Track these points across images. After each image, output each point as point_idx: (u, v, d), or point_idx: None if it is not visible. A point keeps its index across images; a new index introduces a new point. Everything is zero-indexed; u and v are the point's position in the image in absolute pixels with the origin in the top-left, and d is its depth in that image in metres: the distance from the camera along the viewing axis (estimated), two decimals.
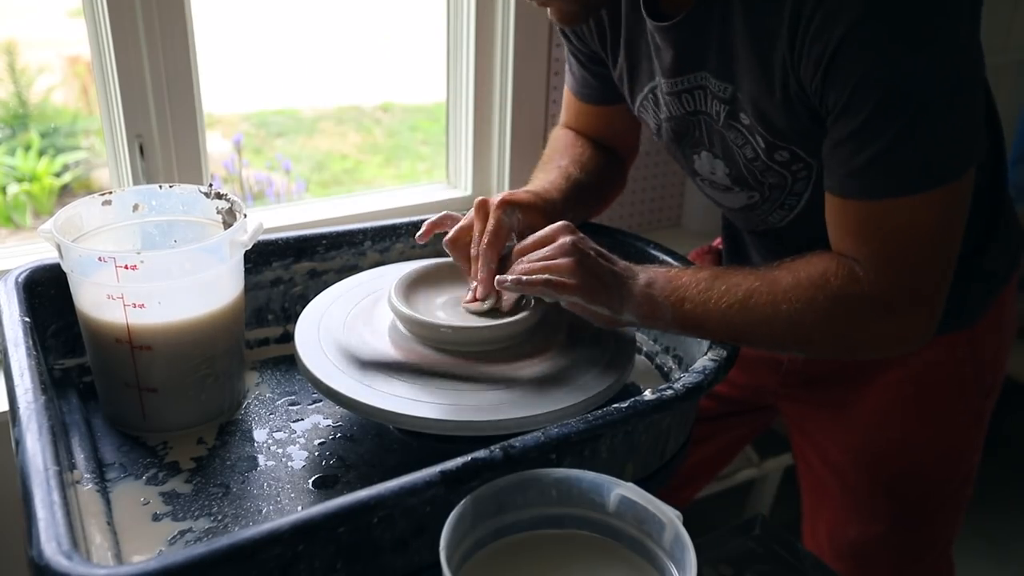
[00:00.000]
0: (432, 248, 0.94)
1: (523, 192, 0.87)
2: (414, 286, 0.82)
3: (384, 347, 0.77)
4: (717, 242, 1.14)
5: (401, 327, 0.79)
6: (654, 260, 0.92)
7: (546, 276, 0.74)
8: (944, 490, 1.02)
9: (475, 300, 0.80)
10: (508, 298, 0.80)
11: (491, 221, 0.80)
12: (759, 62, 0.75)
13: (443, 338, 0.77)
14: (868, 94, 0.68)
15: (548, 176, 0.95)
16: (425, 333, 0.77)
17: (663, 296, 0.77)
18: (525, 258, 0.77)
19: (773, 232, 0.92)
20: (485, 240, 0.79)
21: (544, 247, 0.77)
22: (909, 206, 0.71)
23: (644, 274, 0.78)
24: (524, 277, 0.74)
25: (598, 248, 0.78)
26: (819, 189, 0.80)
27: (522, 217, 0.84)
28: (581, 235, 0.78)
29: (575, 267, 0.74)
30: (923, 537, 1.03)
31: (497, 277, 0.76)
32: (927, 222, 0.71)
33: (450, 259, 0.84)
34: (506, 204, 0.82)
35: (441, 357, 0.76)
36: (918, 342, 0.76)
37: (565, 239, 0.76)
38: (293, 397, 0.84)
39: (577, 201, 0.94)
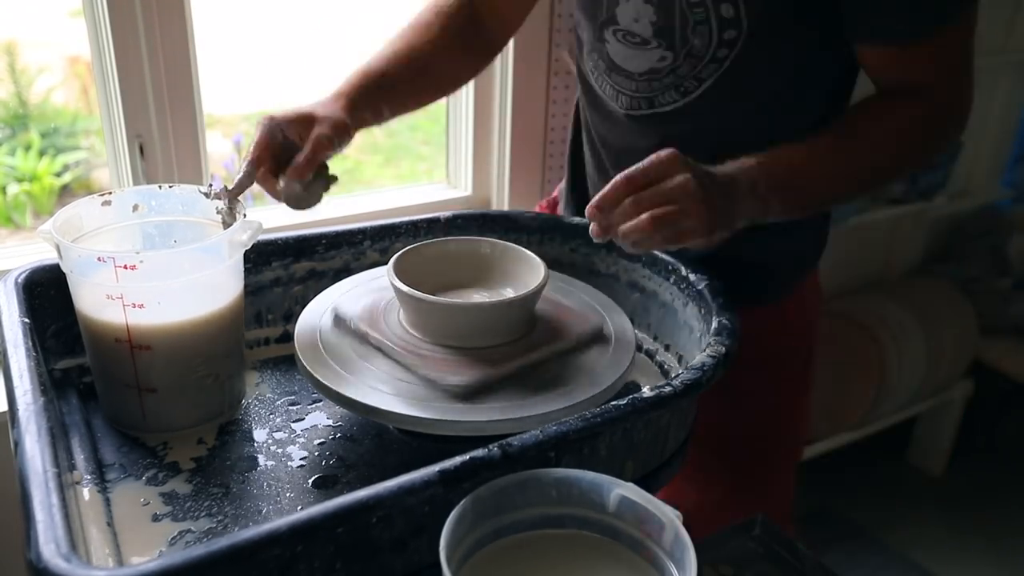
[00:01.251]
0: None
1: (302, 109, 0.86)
2: (409, 270, 0.80)
3: (384, 347, 0.77)
4: (555, 193, 1.17)
5: (413, 315, 0.78)
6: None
7: (668, 229, 0.71)
8: (776, 453, 1.08)
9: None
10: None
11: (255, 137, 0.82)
12: None
13: (464, 319, 0.76)
14: None
15: (372, 61, 0.94)
16: (444, 316, 0.76)
17: (768, 192, 0.79)
18: (640, 201, 0.71)
19: (652, 120, 0.90)
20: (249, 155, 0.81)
21: (657, 184, 0.72)
22: (961, 25, 0.80)
23: (745, 178, 0.77)
24: (646, 237, 0.71)
25: (706, 170, 0.75)
26: (726, 80, 0.84)
27: (287, 131, 0.83)
28: (691, 163, 0.74)
29: (700, 210, 0.71)
30: (758, 499, 1.06)
31: (622, 229, 0.71)
32: (968, 37, 0.82)
33: (443, 239, 0.86)
34: (270, 120, 0.83)
35: (442, 357, 0.76)
36: (960, 135, 0.89)
37: (681, 177, 0.72)
38: (293, 397, 0.84)
39: (388, 97, 0.92)
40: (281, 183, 0.82)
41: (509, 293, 0.83)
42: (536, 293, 0.78)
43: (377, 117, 0.93)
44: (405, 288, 0.76)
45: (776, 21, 0.81)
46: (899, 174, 0.93)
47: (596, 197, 0.74)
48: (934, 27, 0.79)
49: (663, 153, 0.74)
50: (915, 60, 0.81)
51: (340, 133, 0.84)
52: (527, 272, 0.82)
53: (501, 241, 0.87)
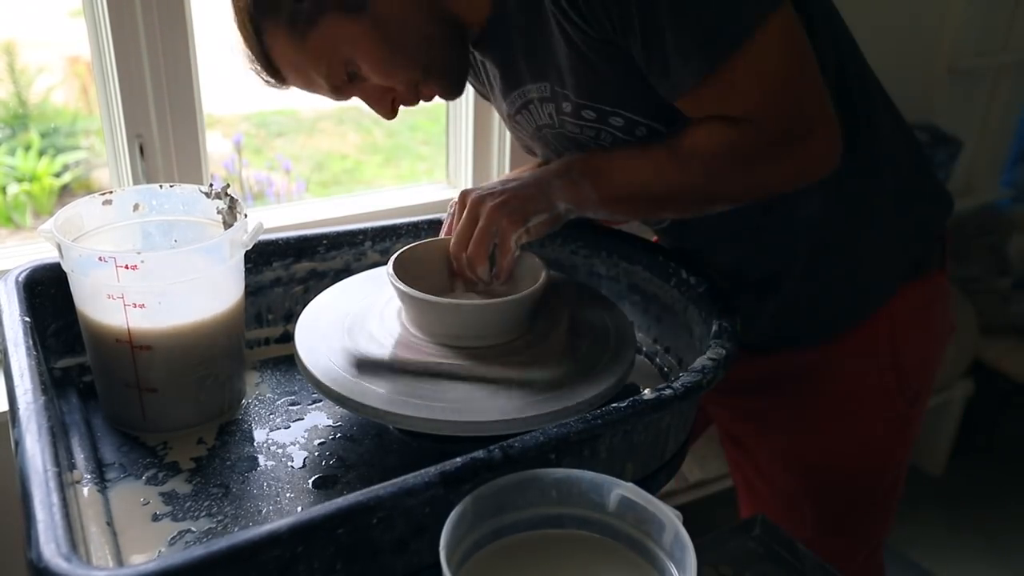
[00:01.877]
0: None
1: None
2: (409, 271, 0.80)
3: (384, 347, 0.77)
4: None
5: (413, 314, 0.79)
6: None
7: (484, 240, 0.79)
8: (869, 497, 1.03)
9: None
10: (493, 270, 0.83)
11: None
12: (553, 43, 0.78)
13: (460, 320, 0.76)
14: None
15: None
16: (444, 316, 0.76)
17: (582, 177, 0.80)
18: (454, 239, 0.81)
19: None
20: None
21: (462, 231, 0.81)
22: (744, 56, 0.72)
23: (560, 164, 0.82)
24: (481, 264, 0.80)
25: (504, 179, 0.83)
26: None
27: None
28: (472, 189, 0.82)
29: (494, 212, 0.78)
30: (849, 543, 1.03)
31: (476, 274, 0.81)
32: (770, 57, 0.73)
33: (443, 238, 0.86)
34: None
35: (442, 357, 0.76)
36: (829, 162, 0.78)
37: (468, 205, 0.80)
38: (293, 397, 0.84)
39: None
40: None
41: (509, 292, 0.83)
42: (539, 292, 0.78)
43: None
44: (405, 288, 0.76)
45: (657, 106, 0.79)
46: (723, 195, 0.81)
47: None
48: (715, 61, 0.72)
49: (458, 204, 0.83)
50: (710, 97, 0.75)
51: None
52: (527, 271, 0.82)
53: None
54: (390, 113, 0.85)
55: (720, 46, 0.71)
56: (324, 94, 0.83)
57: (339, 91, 0.82)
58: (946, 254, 0.98)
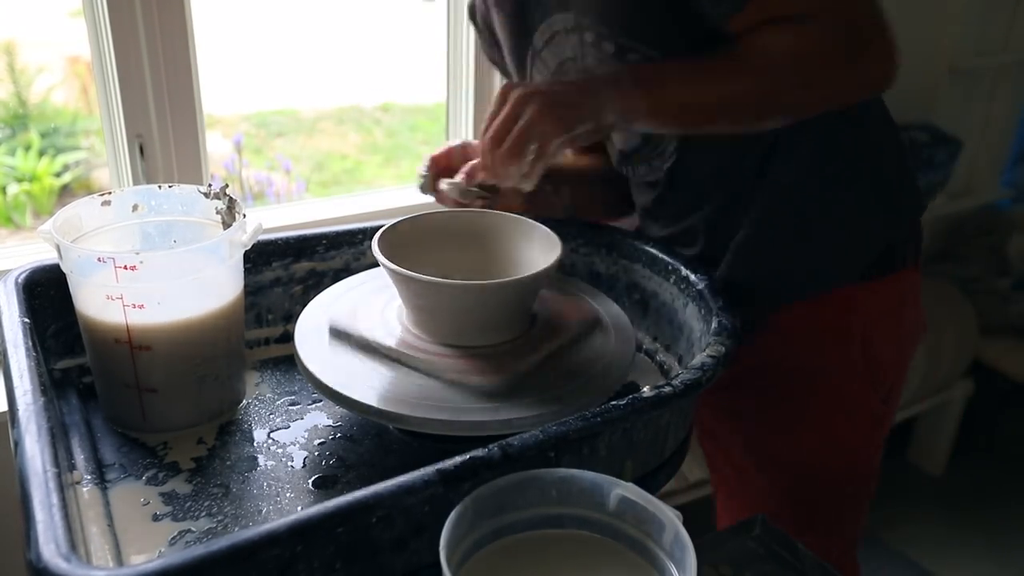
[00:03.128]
0: None
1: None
2: (399, 251, 0.78)
3: (384, 347, 0.77)
4: None
5: (413, 297, 0.76)
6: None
7: (528, 147, 0.76)
8: (841, 495, 1.02)
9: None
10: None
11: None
12: None
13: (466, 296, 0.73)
14: None
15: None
16: (450, 298, 0.74)
17: (631, 86, 0.78)
18: (496, 142, 0.78)
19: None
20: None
21: (501, 125, 0.78)
22: None
23: (608, 72, 0.81)
24: (514, 166, 0.77)
25: (553, 80, 0.81)
26: (683, 149, 0.85)
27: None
28: (517, 84, 0.80)
29: (542, 113, 0.75)
30: (822, 540, 1.01)
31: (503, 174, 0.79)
32: None
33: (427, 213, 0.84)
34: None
35: (442, 357, 0.75)
36: (888, 80, 0.81)
37: (512, 98, 0.77)
38: (293, 397, 0.84)
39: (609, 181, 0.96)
40: (444, 185, 0.84)
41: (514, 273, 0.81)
42: (543, 276, 0.75)
43: (556, 189, 0.95)
44: (392, 266, 0.73)
45: (666, 44, 0.80)
46: (784, 100, 0.81)
47: (480, 161, 0.81)
48: None
49: (499, 92, 0.80)
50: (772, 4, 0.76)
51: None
52: (533, 247, 0.81)
53: (504, 212, 0.85)
54: None
55: None
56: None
57: None
58: (919, 253, 0.98)
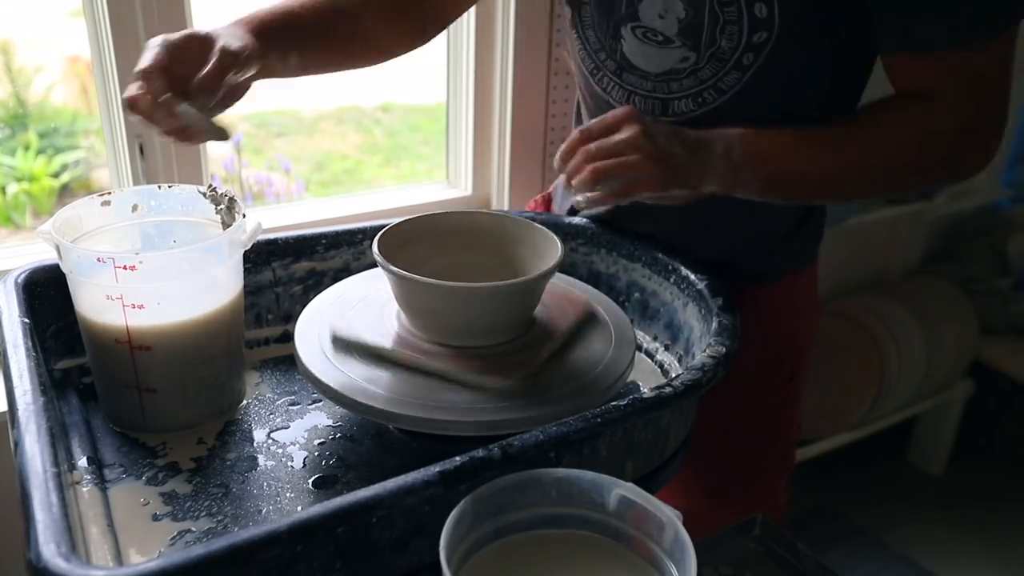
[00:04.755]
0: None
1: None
2: (399, 251, 0.77)
3: (385, 347, 0.77)
4: (549, 189, 1.14)
5: (412, 300, 0.76)
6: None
7: (614, 182, 0.75)
8: (753, 468, 1.05)
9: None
10: None
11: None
12: None
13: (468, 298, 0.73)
14: None
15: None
16: (448, 302, 0.74)
17: (744, 162, 0.77)
18: (588, 153, 0.76)
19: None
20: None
21: (608, 136, 0.76)
22: (995, 44, 0.76)
23: (721, 142, 0.78)
24: (591, 193, 0.76)
25: (667, 127, 0.77)
26: (746, 93, 0.81)
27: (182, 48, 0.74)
28: (647, 119, 0.77)
29: (647, 163, 0.74)
30: (742, 511, 1.03)
31: (573, 182, 0.77)
32: (1000, 59, 0.77)
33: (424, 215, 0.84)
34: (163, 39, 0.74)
35: (442, 356, 0.75)
36: (988, 163, 0.82)
37: (630, 131, 0.75)
38: (293, 397, 0.84)
39: (290, 45, 0.82)
40: (180, 107, 0.72)
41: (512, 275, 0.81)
42: (543, 279, 0.76)
43: (282, 61, 0.82)
44: (393, 268, 0.74)
45: (806, 25, 0.79)
46: (894, 181, 0.83)
47: (561, 148, 0.78)
48: (972, 37, 0.75)
49: (621, 109, 0.78)
50: (941, 69, 0.77)
51: (248, 54, 0.75)
52: (532, 249, 0.81)
53: (503, 213, 0.85)
54: None
55: (994, 22, 0.74)
56: None
57: None
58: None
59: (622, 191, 0.76)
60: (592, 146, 0.77)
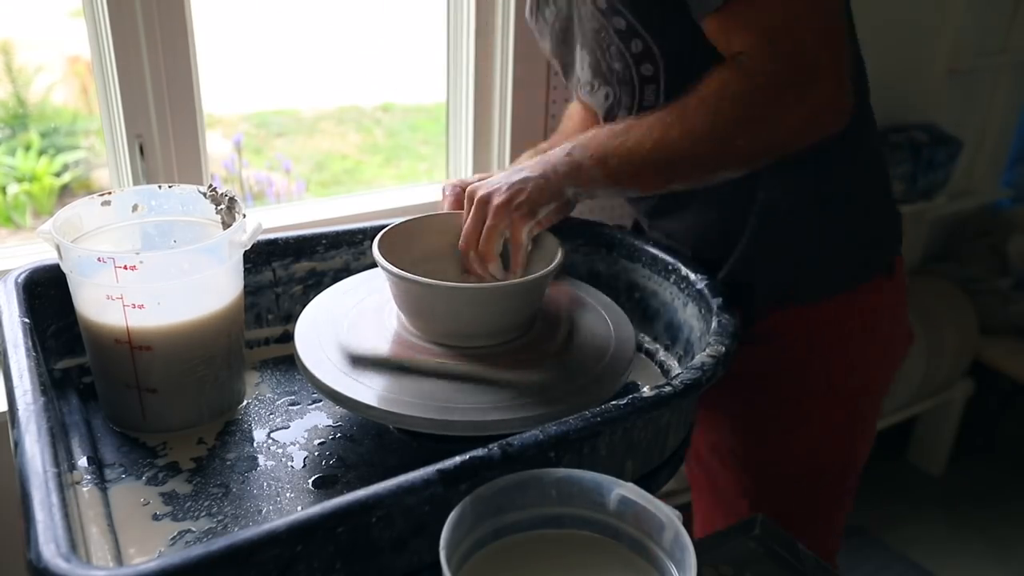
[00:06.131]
0: None
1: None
2: (399, 251, 0.79)
3: (384, 347, 0.77)
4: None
5: (412, 302, 0.76)
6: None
7: (493, 238, 0.79)
8: (805, 500, 1.01)
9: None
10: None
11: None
12: None
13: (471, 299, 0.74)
14: None
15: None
16: (449, 302, 0.74)
17: (585, 158, 0.80)
18: (463, 238, 0.82)
19: None
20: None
21: (470, 229, 0.81)
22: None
23: (560, 148, 0.82)
24: (492, 260, 0.80)
25: (507, 172, 0.83)
26: (674, 91, 0.83)
27: None
28: (477, 186, 0.82)
29: (499, 209, 0.79)
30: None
31: (488, 272, 0.81)
32: (798, 10, 0.74)
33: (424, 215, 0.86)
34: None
35: (441, 356, 0.75)
36: (838, 116, 0.78)
37: (477, 197, 0.81)
38: (293, 397, 0.84)
39: None
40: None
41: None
42: (547, 276, 0.76)
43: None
44: (393, 269, 0.74)
45: (684, 43, 0.81)
46: (727, 147, 0.78)
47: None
48: None
49: (465, 208, 0.83)
50: (734, 26, 0.76)
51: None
52: (533, 249, 0.82)
53: None
54: None
55: None
56: None
57: None
58: (899, 264, 0.98)
59: (514, 242, 0.80)
60: (462, 239, 0.82)
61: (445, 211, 0.89)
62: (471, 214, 0.81)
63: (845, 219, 0.93)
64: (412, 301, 0.77)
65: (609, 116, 0.93)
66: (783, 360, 0.94)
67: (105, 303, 0.72)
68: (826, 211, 0.91)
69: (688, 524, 0.85)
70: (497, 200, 0.79)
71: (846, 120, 0.78)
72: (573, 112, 1.08)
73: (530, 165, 0.83)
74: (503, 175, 0.83)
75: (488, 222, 0.79)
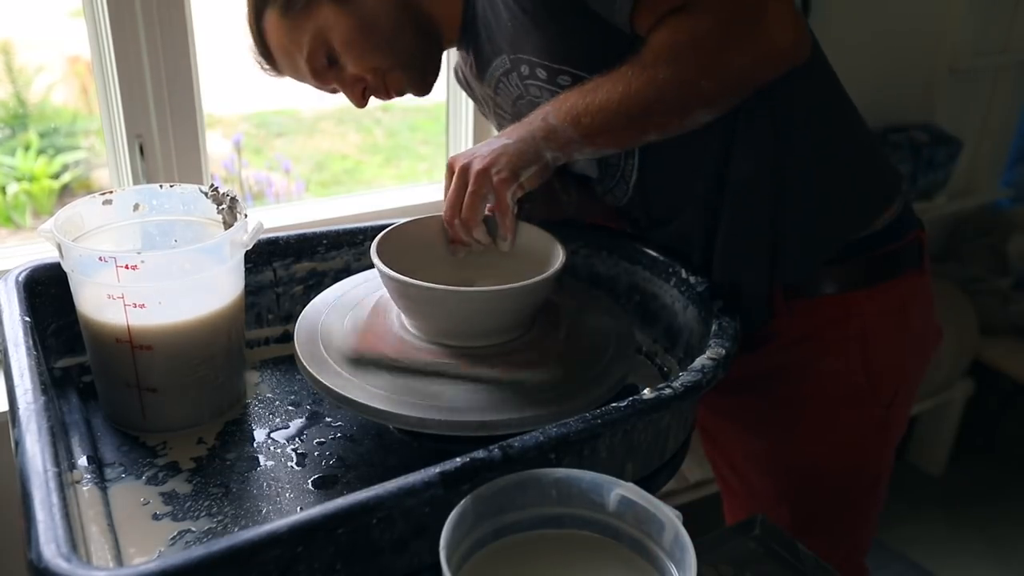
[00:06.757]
0: None
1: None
2: (397, 255, 0.79)
3: (384, 347, 0.77)
4: None
5: (413, 305, 0.76)
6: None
7: (477, 202, 0.79)
8: (843, 499, 1.01)
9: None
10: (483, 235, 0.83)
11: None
12: (502, 14, 0.83)
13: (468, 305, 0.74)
14: None
15: None
16: (453, 306, 0.74)
17: (559, 121, 0.81)
18: (447, 204, 0.82)
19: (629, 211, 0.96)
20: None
21: (453, 197, 0.81)
22: None
23: (536, 113, 0.83)
24: (476, 226, 0.81)
25: (489, 140, 0.83)
26: (643, 162, 0.87)
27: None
28: (458, 156, 0.82)
29: (481, 176, 0.79)
30: (824, 544, 0.98)
31: (472, 238, 0.83)
32: None
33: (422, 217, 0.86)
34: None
35: (441, 357, 0.75)
36: (798, 47, 0.80)
37: (457, 165, 0.81)
38: (293, 397, 0.84)
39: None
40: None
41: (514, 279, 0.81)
42: (556, 275, 0.76)
43: (564, 187, 0.97)
44: (391, 272, 0.74)
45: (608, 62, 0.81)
46: (691, 87, 0.79)
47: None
48: None
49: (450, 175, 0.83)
50: (660, 4, 0.78)
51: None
52: (534, 252, 0.82)
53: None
54: (361, 101, 0.93)
55: None
56: (308, 80, 0.92)
57: (319, 76, 0.90)
58: (922, 257, 0.96)
59: (500, 205, 0.80)
60: (445, 205, 0.82)
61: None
62: (453, 183, 0.81)
63: (822, 188, 0.90)
64: (412, 304, 0.77)
65: (597, 187, 0.96)
66: (811, 360, 0.94)
67: (106, 302, 0.72)
68: (800, 179, 0.89)
69: (710, 525, 0.85)
70: (477, 166, 0.80)
71: (806, 51, 0.80)
72: None
73: (507, 131, 0.83)
74: (482, 144, 0.83)
75: (470, 188, 0.79)
